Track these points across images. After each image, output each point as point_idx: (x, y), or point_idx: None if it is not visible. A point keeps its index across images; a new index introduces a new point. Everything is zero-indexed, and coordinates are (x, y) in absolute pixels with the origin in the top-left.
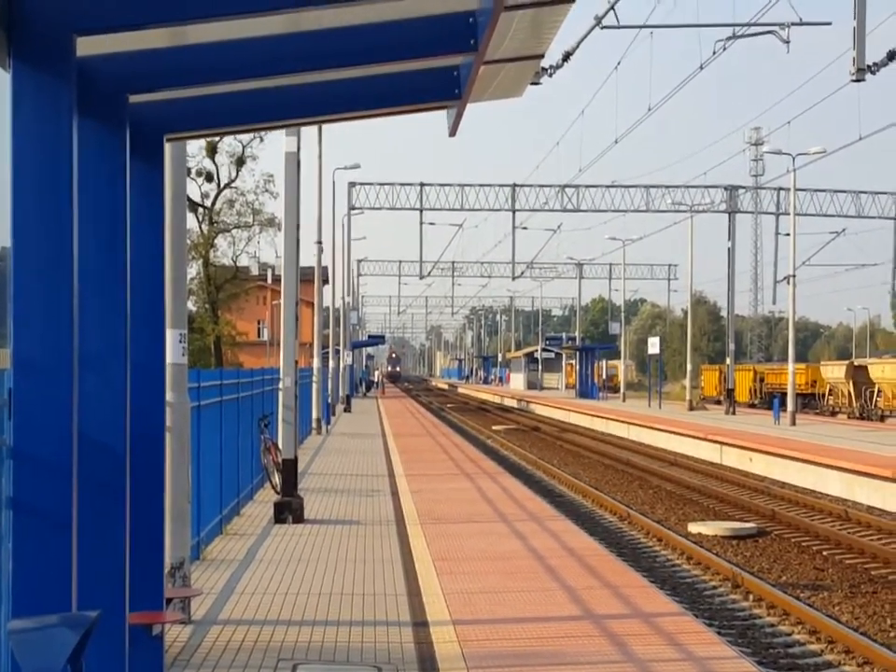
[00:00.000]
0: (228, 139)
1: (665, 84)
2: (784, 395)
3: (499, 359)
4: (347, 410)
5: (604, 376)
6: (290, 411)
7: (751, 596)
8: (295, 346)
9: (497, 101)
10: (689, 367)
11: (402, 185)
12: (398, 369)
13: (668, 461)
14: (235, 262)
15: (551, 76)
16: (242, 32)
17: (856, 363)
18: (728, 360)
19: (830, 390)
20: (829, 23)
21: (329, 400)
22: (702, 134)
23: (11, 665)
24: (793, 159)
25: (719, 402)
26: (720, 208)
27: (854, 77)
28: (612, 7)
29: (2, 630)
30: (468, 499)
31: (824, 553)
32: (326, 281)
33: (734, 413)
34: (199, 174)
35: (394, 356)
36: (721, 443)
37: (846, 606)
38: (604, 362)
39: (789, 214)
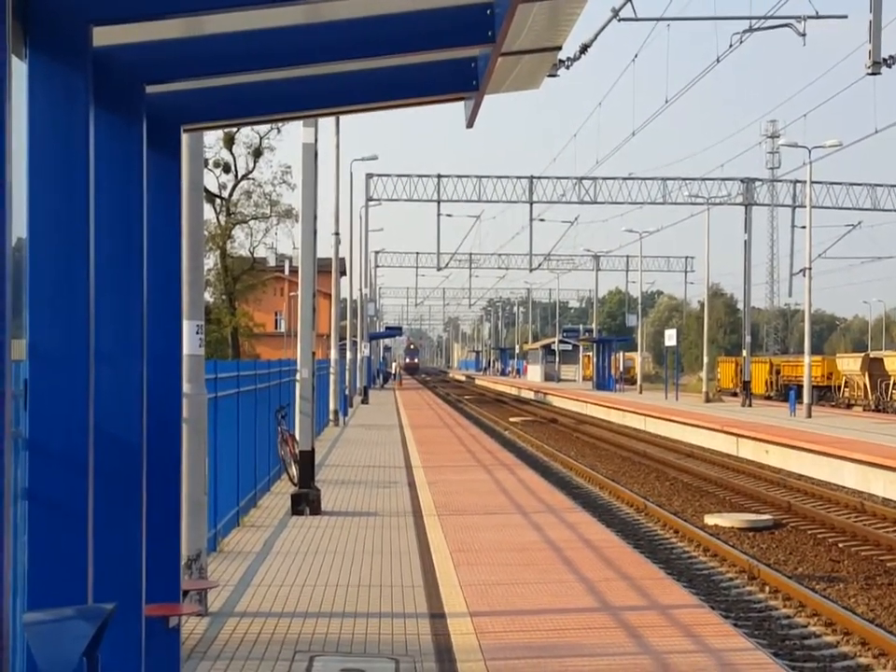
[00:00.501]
0: (245, 130)
1: (682, 76)
2: (800, 387)
3: (516, 351)
4: (365, 401)
5: (621, 368)
6: (308, 402)
7: (767, 588)
8: (312, 338)
9: (514, 93)
10: (705, 359)
11: (420, 176)
12: (416, 360)
13: (685, 453)
14: (252, 253)
15: (568, 68)
16: (259, 22)
17: (872, 355)
18: (744, 352)
19: (846, 382)
20: (845, 17)
21: (347, 392)
22: (718, 127)
23: (27, 657)
24: (809, 151)
25: (735, 394)
26: (736, 201)
27: (870, 71)
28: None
29: (18, 622)
30: (485, 491)
31: (840, 545)
32: (343, 272)
33: (750, 406)
34: (216, 165)
35: (412, 346)
36: (738, 435)
37: (861, 598)
38: (621, 354)
39: (805, 206)
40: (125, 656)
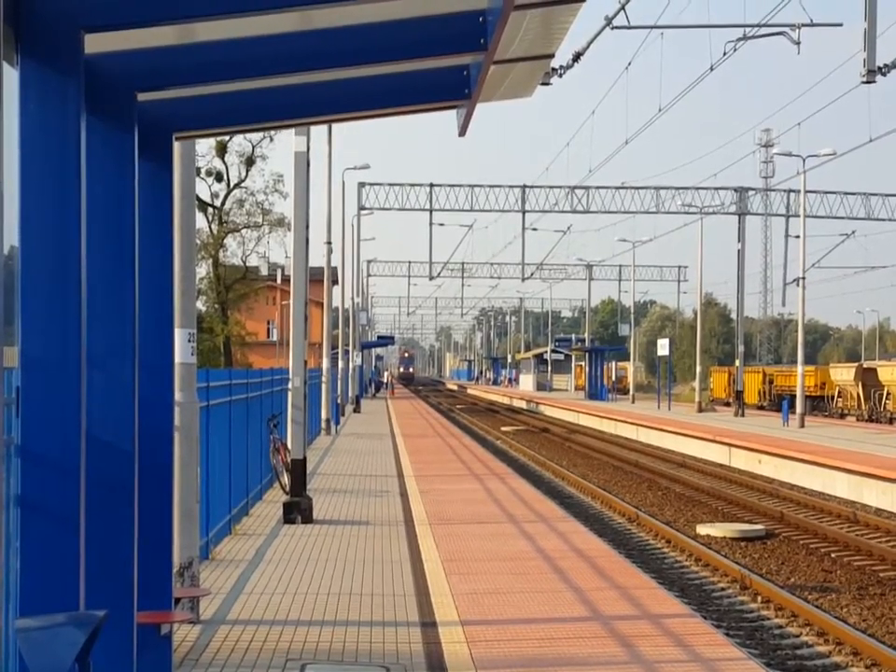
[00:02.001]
0: (237, 139)
1: (676, 85)
2: (793, 397)
3: (509, 361)
4: (357, 410)
5: (613, 378)
6: (300, 411)
7: (759, 598)
8: (304, 347)
9: (507, 101)
10: (698, 369)
11: (412, 185)
12: (411, 369)
13: (677, 463)
14: (245, 262)
15: (561, 76)
16: (251, 30)
17: (865, 365)
18: (737, 362)
19: (839, 392)
20: (840, 25)
21: (339, 401)
22: (712, 136)
23: (19, 663)
24: (803, 160)
25: (728, 404)
26: (730, 210)
27: (864, 79)
28: (623, 8)
29: (10, 628)
30: (476, 500)
31: (832, 554)
32: (335, 281)
33: (742, 415)
34: (209, 173)
35: (406, 354)
36: (730, 445)
37: (854, 608)
38: (613, 364)
39: (799, 216)
40: (117, 663)
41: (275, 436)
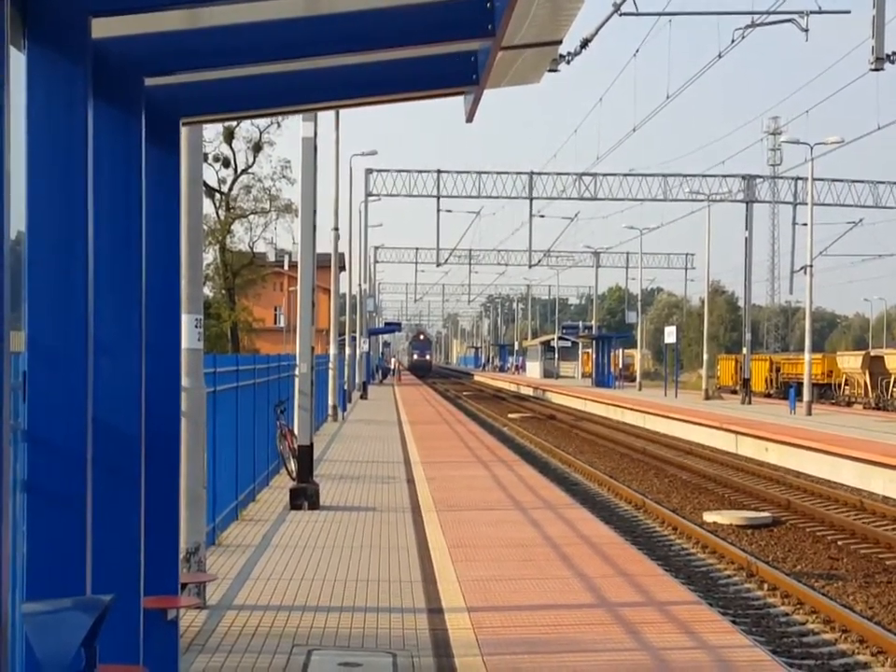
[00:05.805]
0: (245, 125)
1: (684, 72)
2: (800, 385)
3: (516, 348)
4: (363, 397)
5: (620, 365)
6: (306, 397)
7: (766, 585)
8: (311, 333)
9: (514, 87)
10: (705, 356)
11: (419, 172)
12: (427, 356)
13: (684, 450)
14: (252, 248)
15: (569, 62)
16: (258, 14)
17: (872, 353)
18: (744, 350)
19: (846, 380)
20: (848, 12)
21: (346, 387)
22: (720, 123)
23: (26, 647)
24: (811, 148)
25: (735, 392)
26: (737, 197)
27: (873, 67)
28: None
29: (16, 613)
30: (483, 487)
31: (839, 542)
32: (342, 268)
33: (749, 403)
34: (216, 159)
35: (421, 337)
36: (737, 433)
37: (860, 595)
38: (620, 351)
39: (806, 203)
40: (123, 647)
41: (282, 422)
